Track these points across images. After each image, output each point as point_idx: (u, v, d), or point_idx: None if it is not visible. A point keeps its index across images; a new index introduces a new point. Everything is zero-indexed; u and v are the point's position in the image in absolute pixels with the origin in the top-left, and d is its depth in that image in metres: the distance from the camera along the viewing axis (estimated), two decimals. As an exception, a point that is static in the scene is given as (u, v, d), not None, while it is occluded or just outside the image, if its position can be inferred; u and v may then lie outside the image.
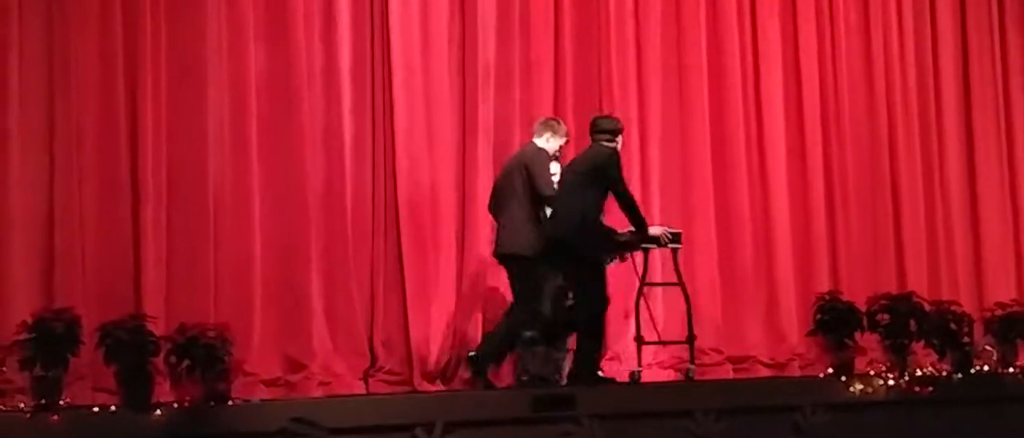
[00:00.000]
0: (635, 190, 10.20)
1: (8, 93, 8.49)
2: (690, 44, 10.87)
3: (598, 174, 8.69)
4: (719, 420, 8.15)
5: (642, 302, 9.15)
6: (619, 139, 8.99)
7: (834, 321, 9.04)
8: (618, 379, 9.07)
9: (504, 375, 9.35)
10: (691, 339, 9.16)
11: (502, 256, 9.10)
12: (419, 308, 9.59)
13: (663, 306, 9.94)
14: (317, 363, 9.15)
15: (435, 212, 9.83)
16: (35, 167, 8.51)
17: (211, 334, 7.42)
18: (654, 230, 9.00)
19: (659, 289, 9.66)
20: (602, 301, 8.75)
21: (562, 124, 9.36)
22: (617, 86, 10.55)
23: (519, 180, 9.02)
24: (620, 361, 9.91)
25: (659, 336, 9.42)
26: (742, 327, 10.36)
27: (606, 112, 10.13)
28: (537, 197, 8.96)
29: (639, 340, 9.10)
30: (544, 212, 8.98)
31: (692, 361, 9.18)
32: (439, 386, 9.44)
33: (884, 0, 11.54)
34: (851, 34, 11.43)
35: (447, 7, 10.06)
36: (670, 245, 9.11)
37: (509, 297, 9.42)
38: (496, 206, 9.24)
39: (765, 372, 10.32)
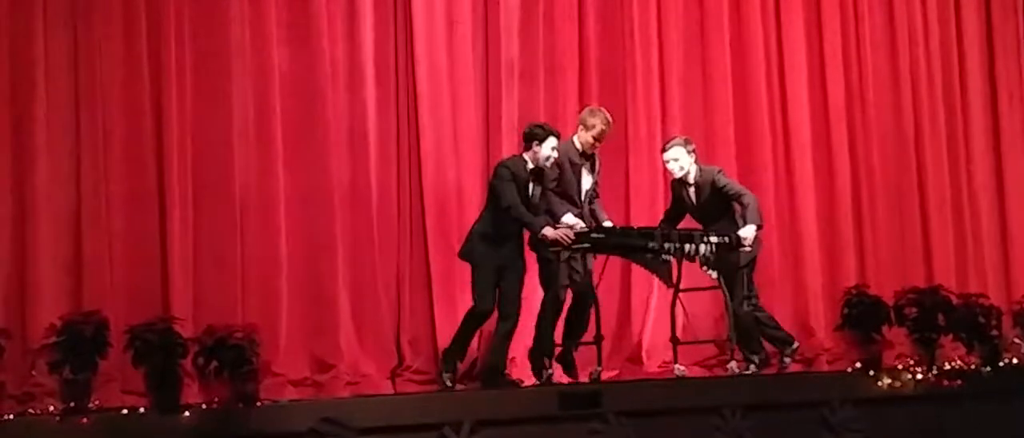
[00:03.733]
0: (658, 185, 10.27)
1: (35, 98, 8.50)
2: (714, 40, 10.85)
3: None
4: (747, 416, 8.13)
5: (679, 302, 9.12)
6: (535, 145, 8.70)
7: (862, 315, 9.01)
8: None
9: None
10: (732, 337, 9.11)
11: None
12: (446, 306, 9.60)
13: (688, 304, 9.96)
14: (345, 363, 9.17)
15: (461, 210, 9.83)
16: (62, 171, 8.54)
17: (239, 335, 7.42)
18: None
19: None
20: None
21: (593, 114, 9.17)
22: (641, 82, 10.54)
23: None
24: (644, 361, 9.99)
25: (683, 335, 9.43)
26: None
27: (630, 110, 10.19)
28: None
29: (674, 340, 9.09)
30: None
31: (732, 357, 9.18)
32: (466, 385, 9.44)
33: (908, -6, 11.55)
34: (876, 28, 11.40)
35: (470, 4, 10.06)
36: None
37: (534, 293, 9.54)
38: None
39: (793, 367, 10.27)
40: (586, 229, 8.77)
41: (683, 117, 10.57)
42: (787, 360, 9.35)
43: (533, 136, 8.66)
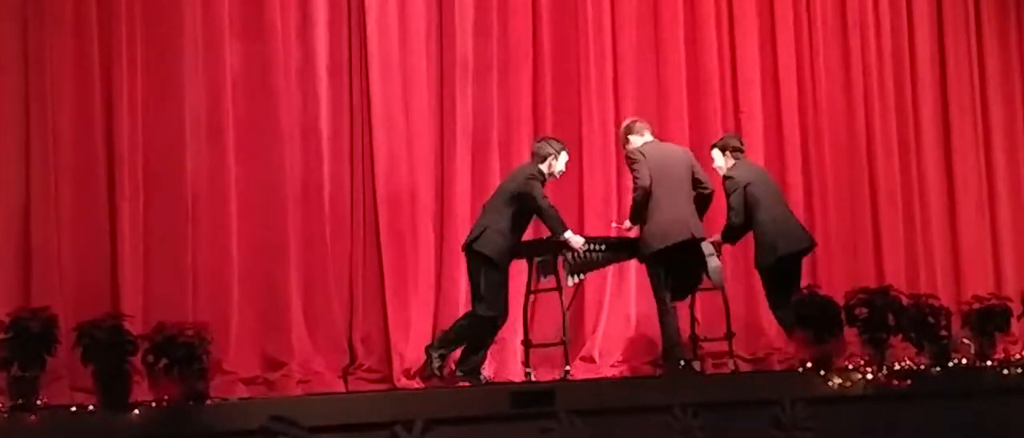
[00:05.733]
0: (611, 187, 10.33)
1: (-17, 92, 8.44)
2: (668, 39, 10.89)
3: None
4: (698, 415, 8.14)
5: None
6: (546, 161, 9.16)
7: (813, 315, 9.06)
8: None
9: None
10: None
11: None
12: (398, 305, 9.59)
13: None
14: (296, 361, 9.11)
15: (413, 208, 9.83)
16: (11, 166, 8.43)
17: (189, 333, 7.38)
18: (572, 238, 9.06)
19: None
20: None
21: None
22: (595, 83, 10.56)
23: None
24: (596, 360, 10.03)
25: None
26: (721, 322, 10.34)
27: (584, 107, 10.22)
28: None
29: (527, 343, 9.26)
30: None
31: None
32: (419, 383, 9.42)
33: (861, -1, 11.62)
34: (829, 30, 11.49)
35: (424, 2, 10.04)
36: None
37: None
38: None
39: (744, 367, 10.33)
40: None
41: (636, 116, 10.56)
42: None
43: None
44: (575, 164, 10.37)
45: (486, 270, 8.91)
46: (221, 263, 9.07)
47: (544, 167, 9.10)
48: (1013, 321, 9.91)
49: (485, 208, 9.14)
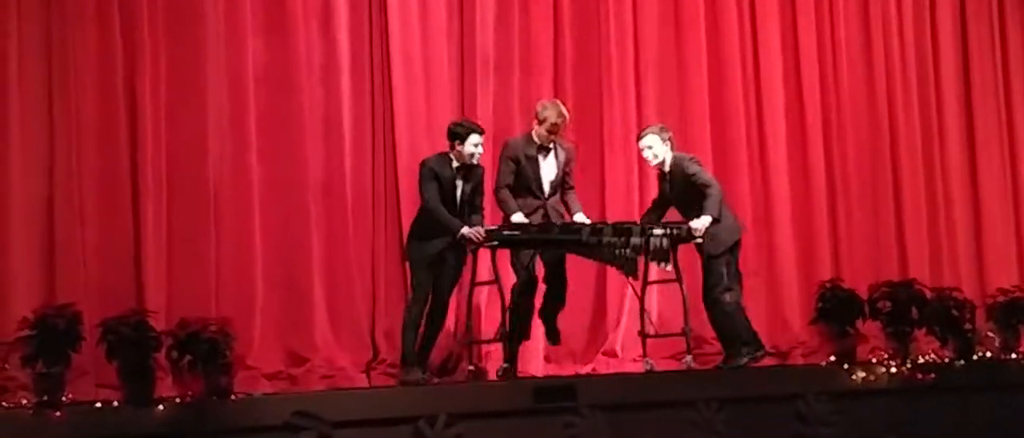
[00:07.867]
0: (633, 179, 10.26)
1: (7, 87, 8.46)
2: (689, 34, 10.85)
3: None
4: (721, 409, 8.14)
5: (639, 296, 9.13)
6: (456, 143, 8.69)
7: (836, 309, 9.04)
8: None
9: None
10: (687, 331, 9.05)
11: None
12: (421, 300, 9.58)
13: (659, 297, 9.94)
14: (319, 356, 9.15)
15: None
16: (35, 162, 8.50)
17: (212, 328, 7.41)
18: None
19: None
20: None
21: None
22: (616, 77, 10.54)
23: None
24: (618, 355, 9.99)
25: (655, 329, 9.39)
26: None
27: (605, 104, 10.19)
28: None
29: (643, 334, 9.07)
30: None
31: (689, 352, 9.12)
32: (442, 378, 9.43)
33: (884, -14, 11.56)
34: (851, 20, 11.41)
35: (446, -2, 10.06)
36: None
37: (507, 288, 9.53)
38: None
39: (767, 361, 10.27)
40: (494, 227, 8.67)
41: (658, 112, 10.55)
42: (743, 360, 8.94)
43: (454, 135, 8.65)
44: (596, 162, 10.39)
45: None
46: (244, 259, 9.10)
47: None
48: (1038, 314, 9.86)
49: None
